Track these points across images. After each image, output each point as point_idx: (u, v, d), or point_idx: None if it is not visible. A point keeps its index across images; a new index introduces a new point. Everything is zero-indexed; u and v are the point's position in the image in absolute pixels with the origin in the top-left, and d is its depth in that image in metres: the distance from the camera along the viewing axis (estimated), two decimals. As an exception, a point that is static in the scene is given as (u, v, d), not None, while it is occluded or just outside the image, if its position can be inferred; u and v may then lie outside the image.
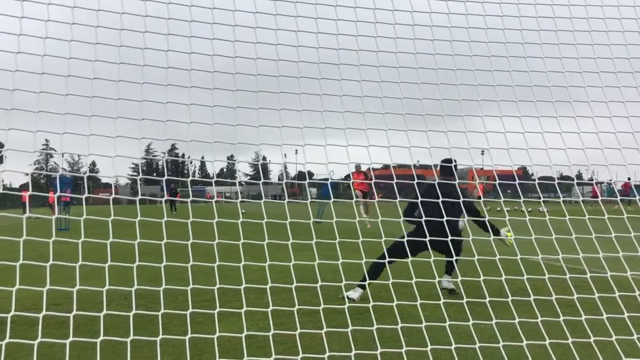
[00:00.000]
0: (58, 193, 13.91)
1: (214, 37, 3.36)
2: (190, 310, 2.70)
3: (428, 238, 3.38)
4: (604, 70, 3.82)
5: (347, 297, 4.47)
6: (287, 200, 4.60)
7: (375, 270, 4.97)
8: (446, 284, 5.33)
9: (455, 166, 5.12)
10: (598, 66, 3.82)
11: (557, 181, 3.92)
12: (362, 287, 4.98)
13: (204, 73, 3.32)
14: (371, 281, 4.89)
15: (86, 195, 2.97)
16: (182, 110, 3.27)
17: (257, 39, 3.45)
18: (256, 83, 3.40)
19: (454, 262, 4.08)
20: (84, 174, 3.12)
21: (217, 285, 2.65)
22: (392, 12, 3.72)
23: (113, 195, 3.23)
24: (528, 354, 2.78)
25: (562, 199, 3.64)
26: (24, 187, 32.18)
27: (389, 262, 4.10)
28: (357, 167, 17.51)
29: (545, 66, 3.82)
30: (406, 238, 3.70)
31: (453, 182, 4.28)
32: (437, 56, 3.77)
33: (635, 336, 2.95)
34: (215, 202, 3.60)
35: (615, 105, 3.75)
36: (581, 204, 3.80)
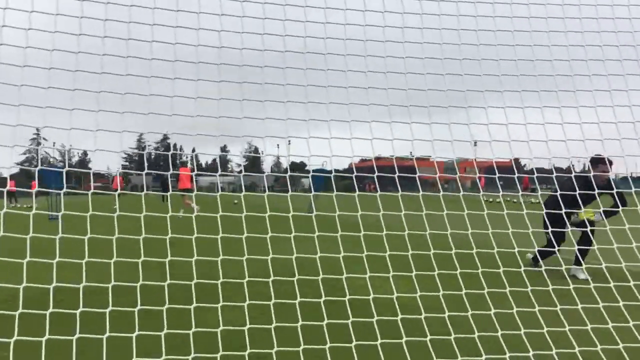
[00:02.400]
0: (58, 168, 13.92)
1: (221, 28, 3.33)
2: (194, 305, 2.72)
3: None
4: (609, 58, 3.81)
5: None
6: (290, 192, 4.57)
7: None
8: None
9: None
10: (604, 54, 3.81)
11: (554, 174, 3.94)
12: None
13: (210, 64, 3.29)
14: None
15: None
16: (185, 102, 3.24)
17: (264, 30, 3.41)
18: (262, 74, 3.37)
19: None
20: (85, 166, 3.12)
21: (221, 280, 2.66)
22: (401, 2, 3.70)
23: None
24: (527, 343, 2.86)
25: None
26: (12, 177, 31.81)
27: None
28: (184, 162, 18.05)
29: (534, 55, 3.82)
30: None
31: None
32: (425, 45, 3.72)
33: (631, 323, 3.04)
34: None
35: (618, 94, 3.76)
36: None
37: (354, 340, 2.69)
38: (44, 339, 2.30)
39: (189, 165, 16.82)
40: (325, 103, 3.49)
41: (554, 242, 4.70)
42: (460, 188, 3.97)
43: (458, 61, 3.73)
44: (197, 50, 3.33)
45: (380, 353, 2.68)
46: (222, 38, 3.33)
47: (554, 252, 4.85)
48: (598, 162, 5.62)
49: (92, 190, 2.96)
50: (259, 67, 3.46)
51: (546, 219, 5.73)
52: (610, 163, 5.63)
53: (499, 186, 3.56)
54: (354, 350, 2.64)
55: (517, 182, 3.80)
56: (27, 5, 3.05)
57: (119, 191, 3.08)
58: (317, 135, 3.36)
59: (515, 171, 3.76)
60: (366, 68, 3.56)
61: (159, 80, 3.23)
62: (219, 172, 3.67)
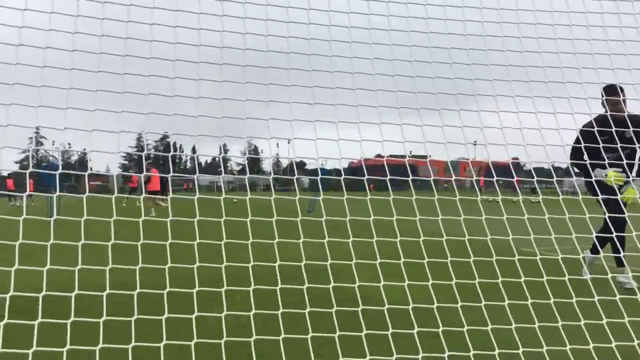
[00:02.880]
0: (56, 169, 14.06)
1: (223, 13, 3.25)
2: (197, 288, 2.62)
3: None
4: (597, 52, 3.76)
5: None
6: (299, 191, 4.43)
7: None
8: (623, 278, 4.63)
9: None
10: (592, 48, 3.78)
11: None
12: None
13: (212, 62, 3.24)
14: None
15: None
16: (187, 101, 3.18)
17: (267, 32, 3.35)
18: (266, 74, 3.30)
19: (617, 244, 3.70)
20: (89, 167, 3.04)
21: (225, 264, 2.57)
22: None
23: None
24: (517, 338, 2.76)
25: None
26: (11, 175, 31.76)
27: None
28: (151, 163, 18.61)
29: (540, 52, 3.76)
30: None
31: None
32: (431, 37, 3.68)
33: (626, 319, 2.92)
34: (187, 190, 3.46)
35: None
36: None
37: (364, 329, 2.59)
38: (36, 322, 2.21)
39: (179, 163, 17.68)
40: (333, 103, 3.44)
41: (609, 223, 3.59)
42: (473, 172, 3.86)
43: (466, 66, 3.70)
44: (199, 41, 3.25)
45: (391, 342, 2.58)
46: (224, 27, 3.28)
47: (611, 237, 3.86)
48: (606, 94, 4.52)
49: (87, 194, 2.85)
50: (263, 53, 3.40)
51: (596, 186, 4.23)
52: (620, 91, 4.43)
53: (515, 179, 3.47)
54: (363, 339, 2.55)
55: (540, 175, 3.66)
56: (22, 4, 2.98)
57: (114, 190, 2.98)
58: (319, 134, 3.30)
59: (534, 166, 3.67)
60: (373, 70, 3.50)
61: (158, 77, 3.16)
62: (221, 170, 3.57)
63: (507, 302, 2.92)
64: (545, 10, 3.88)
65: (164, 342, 2.41)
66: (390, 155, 3.91)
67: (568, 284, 3.06)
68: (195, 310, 2.61)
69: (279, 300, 2.75)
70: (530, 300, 2.91)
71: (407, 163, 3.31)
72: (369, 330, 2.64)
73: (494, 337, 2.77)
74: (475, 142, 3.88)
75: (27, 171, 2.88)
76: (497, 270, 3.10)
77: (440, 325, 2.76)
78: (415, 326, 2.71)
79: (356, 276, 2.88)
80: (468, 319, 2.90)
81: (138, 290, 2.54)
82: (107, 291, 2.47)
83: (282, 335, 2.54)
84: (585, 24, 3.84)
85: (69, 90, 2.87)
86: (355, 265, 2.97)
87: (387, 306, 2.75)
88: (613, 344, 2.76)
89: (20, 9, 2.94)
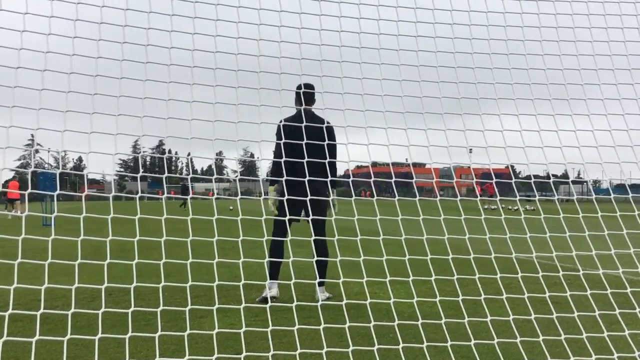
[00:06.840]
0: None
1: (217, 33, 3.32)
2: (189, 307, 2.69)
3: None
4: (601, 67, 3.84)
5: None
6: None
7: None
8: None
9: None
10: (596, 64, 3.84)
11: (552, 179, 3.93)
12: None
13: (206, 69, 3.28)
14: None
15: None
16: (182, 107, 3.22)
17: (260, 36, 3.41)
18: (258, 80, 3.34)
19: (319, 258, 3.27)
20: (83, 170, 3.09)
21: (217, 282, 2.63)
22: (395, 9, 3.71)
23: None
24: (522, 350, 2.84)
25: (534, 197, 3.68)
26: (6, 183, 31.68)
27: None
28: (14, 177, 20.50)
29: (544, 64, 3.83)
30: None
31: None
32: (439, 54, 3.76)
33: (626, 332, 3.02)
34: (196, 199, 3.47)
35: (610, 103, 3.78)
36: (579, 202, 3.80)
37: (350, 345, 2.68)
38: (34, 340, 2.26)
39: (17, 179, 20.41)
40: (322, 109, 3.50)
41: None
42: (458, 194, 3.95)
43: (453, 69, 3.77)
44: (215, 56, 3.30)
45: (377, 359, 2.66)
46: (239, 44, 3.33)
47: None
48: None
49: (85, 193, 2.91)
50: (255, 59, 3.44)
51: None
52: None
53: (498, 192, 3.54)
54: (350, 356, 2.63)
55: (536, 183, 3.71)
56: (22, 7, 3.02)
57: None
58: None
59: (513, 177, 3.75)
60: (361, 74, 3.56)
61: (154, 85, 3.22)
62: (215, 176, 3.64)
63: (489, 318, 3.01)
64: (550, 13, 3.93)
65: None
66: (384, 163, 3.92)
67: (569, 299, 3.12)
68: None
69: (269, 315, 2.82)
70: (533, 316, 2.99)
71: (391, 171, 3.32)
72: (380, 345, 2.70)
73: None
74: (471, 149, 3.94)
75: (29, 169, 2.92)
76: (478, 283, 3.18)
77: (425, 341, 2.84)
78: (401, 341, 2.79)
79: (343, 294, 2.94)
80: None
81: (133, 306, 2.60)
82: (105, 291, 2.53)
83: (272, 352, 2.61)
84: (587, 25, 3.91)
85: (67, 94, 2.90)
86: (345, 279, 3.04)
87: (373, 323, 2.82)
88: (615, 355, 2.83)
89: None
